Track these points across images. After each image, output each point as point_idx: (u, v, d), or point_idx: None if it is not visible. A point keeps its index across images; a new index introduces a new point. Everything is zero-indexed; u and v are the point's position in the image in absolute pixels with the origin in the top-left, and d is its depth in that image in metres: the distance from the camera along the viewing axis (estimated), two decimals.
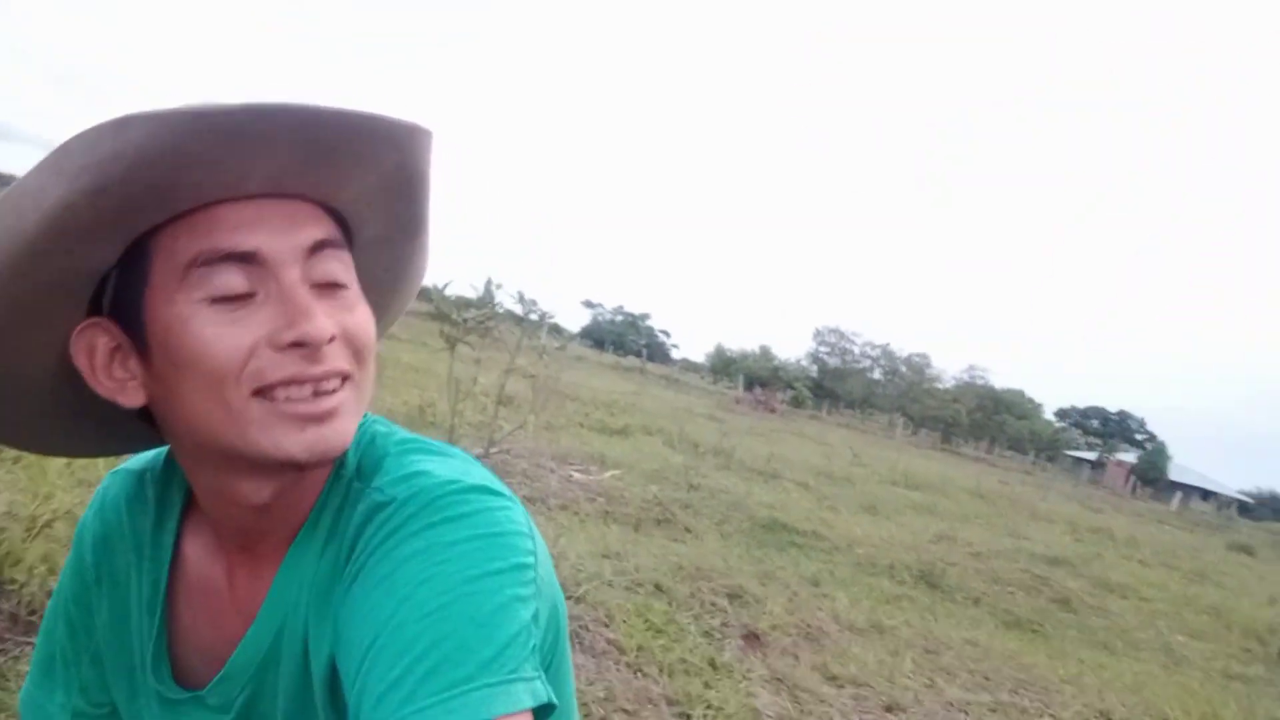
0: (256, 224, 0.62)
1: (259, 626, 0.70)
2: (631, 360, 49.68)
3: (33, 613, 2.52)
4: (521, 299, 6.93)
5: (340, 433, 0.64)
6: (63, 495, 3.01)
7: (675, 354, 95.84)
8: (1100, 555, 10.73)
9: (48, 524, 2.80)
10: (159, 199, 0.59)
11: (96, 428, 0.76)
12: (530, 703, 0.58)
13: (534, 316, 7.52)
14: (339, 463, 0.72)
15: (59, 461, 3.51)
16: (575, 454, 8.31)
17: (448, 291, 6.68)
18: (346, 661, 0.62)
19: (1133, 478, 50.87)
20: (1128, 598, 8.28)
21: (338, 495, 0.71)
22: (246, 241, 0.61)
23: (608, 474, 7.62)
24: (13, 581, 2.58)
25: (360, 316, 0.67)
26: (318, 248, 0.64)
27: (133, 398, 0.66)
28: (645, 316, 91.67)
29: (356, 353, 0.66)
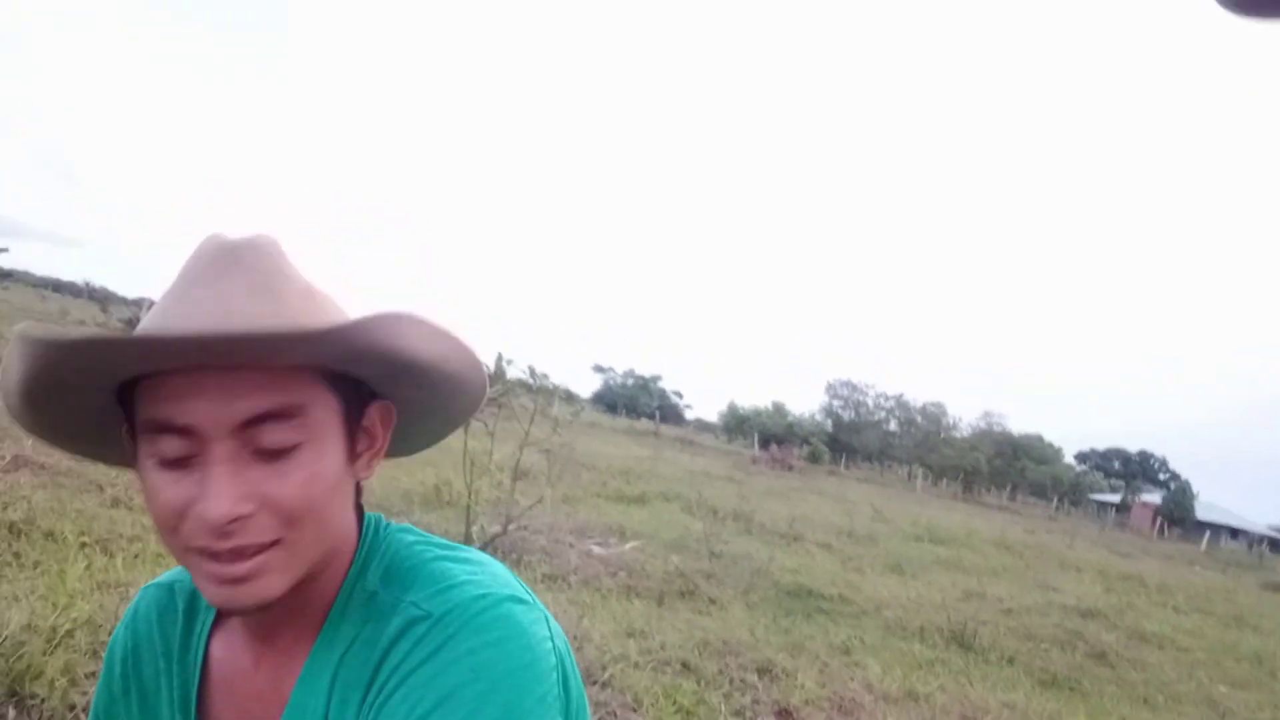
0: (196, 395, 0.65)
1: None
2: (645, 423, 49.58)
3: None
4: (533, 373, 6.94)
5: (257, 592, 0.68)
6: (82, 603, 2.99)
7: (688, 414, 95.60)
8: (1133, 605, 10.53)
9: (68, 634, 2.78)
10: (99, 377, 0.67)
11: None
12: None
13: (547, 385, 7.53)
14: (357, 569, 0.76)
15: (78, 567, 3.50)
16: (594, 526, 8.24)
17: None
18: None
19: (1159, 519, 50.01)
20: (1165, 648, 8.08)
21: (359, 602, 0.74)
22: (182, 416, 0.65)
23: (628, 545, 7.55)
24: (34, 695, 2.55)
25: (295, 483, 0.68)
26: (256, 421, 0.66)
27: None
28: (657, 378, 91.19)
29: (287, 520, 0.68)
